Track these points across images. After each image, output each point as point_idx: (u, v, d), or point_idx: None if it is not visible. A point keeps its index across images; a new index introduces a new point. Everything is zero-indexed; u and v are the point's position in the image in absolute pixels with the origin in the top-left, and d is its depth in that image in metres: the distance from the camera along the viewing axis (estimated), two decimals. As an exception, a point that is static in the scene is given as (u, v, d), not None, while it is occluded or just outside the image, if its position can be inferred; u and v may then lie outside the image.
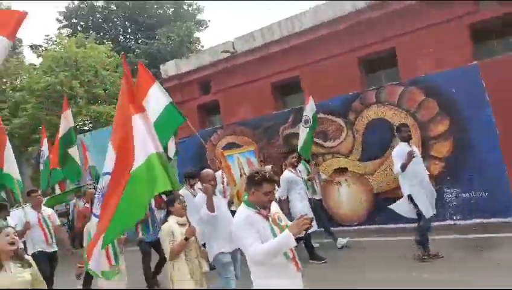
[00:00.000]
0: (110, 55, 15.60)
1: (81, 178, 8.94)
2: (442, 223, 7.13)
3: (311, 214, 5.54)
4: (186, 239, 3.67)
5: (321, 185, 7.46)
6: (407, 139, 5.60)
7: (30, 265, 3.01)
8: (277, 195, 5.90)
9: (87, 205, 6.42)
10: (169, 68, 11.70)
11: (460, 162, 7.18)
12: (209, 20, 25.14)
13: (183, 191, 5.39)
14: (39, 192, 6.17)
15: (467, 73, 7.17)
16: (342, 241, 6.85)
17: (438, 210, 7.40)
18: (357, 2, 8.21)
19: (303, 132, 7.17)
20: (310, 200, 6.69)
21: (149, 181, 3.33)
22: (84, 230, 4.80)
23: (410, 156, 5.33)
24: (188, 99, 11.43)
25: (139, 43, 21.57)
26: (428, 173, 6.00)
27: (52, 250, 5.86)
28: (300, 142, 7.15)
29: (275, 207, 2.90)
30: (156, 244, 5.49)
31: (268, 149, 9.49)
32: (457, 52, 7.27)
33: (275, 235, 2.69)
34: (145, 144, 3.40)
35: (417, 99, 7.67)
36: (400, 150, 5.53)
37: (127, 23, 23.12)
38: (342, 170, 8.45)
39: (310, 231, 5.89)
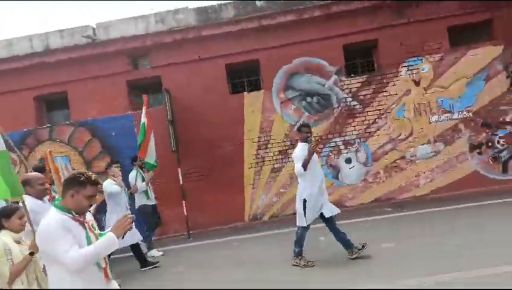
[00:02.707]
0: None
1: None
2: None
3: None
4: (32, 254, 3.16)
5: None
6: (306, 140, 5.38)
7: None
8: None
9: None
10: None
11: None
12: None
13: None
14: None
15: (124, 120, 8.81)
16: (155, 253, 6.98)
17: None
18: (24, 45, 8.76)
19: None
20: (142, 206, 6.92)
21: None
22: None
23: (312, 149, 5.17)
24: None
25: None
26: None
27: None
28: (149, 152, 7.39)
29: (89, 215, 2.71)
30: None
31: None
32: (118, 102, 8.81)
33: (90, 242, 2.50)
34: None
35: (84, 139, 8.84)
36: (300, 150, 5.28)
37: None
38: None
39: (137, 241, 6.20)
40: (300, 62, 8.63)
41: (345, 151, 8.73)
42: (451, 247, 5.14)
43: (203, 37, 8.61)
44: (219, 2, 8.71)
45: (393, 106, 8.63)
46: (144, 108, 7.56)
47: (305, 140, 5.37)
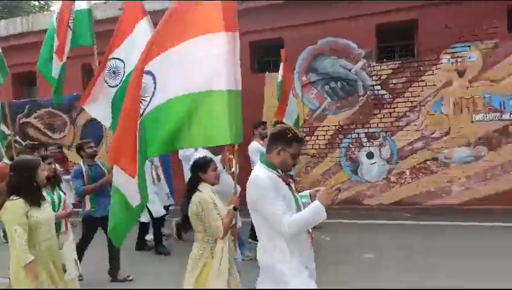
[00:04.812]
0: None
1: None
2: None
3: None
4: (235, 209, 3.00)
5: None
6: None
7: None
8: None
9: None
10: None
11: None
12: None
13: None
14: None
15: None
16: None
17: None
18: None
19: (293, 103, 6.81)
20: None
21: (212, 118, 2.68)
22: None
23: None
24: None
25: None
26: None
27: None
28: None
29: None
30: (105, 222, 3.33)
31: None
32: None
33: (297, 205, 2.32)
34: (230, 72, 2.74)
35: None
36: None
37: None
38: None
39: None
40: (326, 43, 7.89)
41: (367, 145, 7.89)
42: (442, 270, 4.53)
43: (228, 13, 8.38)
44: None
45: (429, 98, 7.43)
46: (282, 64, 6.54)
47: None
